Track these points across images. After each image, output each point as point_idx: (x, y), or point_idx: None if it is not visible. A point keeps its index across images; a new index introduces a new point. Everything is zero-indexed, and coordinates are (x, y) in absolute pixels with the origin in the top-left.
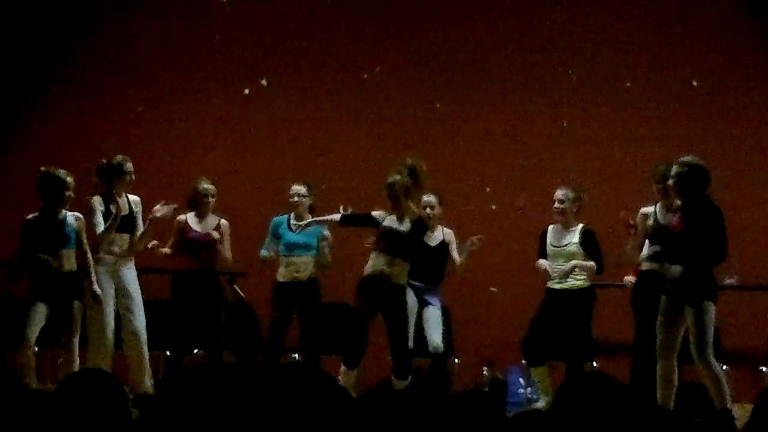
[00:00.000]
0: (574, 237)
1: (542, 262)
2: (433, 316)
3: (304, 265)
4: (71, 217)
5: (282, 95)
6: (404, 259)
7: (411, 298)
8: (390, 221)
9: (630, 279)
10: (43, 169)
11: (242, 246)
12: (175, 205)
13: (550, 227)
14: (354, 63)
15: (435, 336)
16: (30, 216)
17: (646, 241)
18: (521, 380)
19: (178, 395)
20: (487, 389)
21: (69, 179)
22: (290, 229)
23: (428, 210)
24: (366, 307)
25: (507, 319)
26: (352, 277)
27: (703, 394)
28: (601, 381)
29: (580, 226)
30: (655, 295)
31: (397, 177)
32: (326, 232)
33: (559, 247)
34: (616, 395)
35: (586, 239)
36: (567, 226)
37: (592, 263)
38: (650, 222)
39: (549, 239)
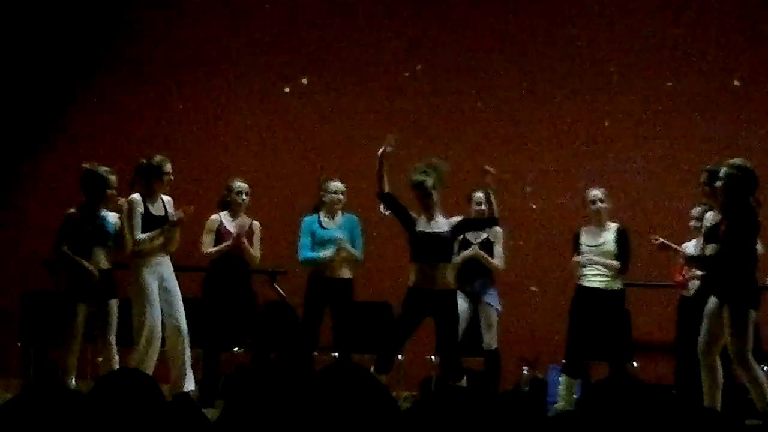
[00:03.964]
0: (609, 236)
1: (576, 258)
2: (487, 315)
3: (336, 263)
4: (112, 216)
5: (323, 93)
6: (447, 261)
7: (460, 300)
8: (423, 225)
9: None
10: (86, 165)
11: (281, 244)
12: (192, 209)
13: (583, 228)
14: (394, 61)
15: (487, 334)
16: (71, 210)
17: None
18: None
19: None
20: (527, 389)
21: (111, 177)
22: (321, 225)
23: (476, 206)
24: (413, 316)
25: (547, 319)
26: (384, 276)
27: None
28: (639, 384)
29: (615, 225)
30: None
31: (427, 177)
32: (339, 234)
33: (595, 246)
34: (660, 397)
35: (621, 238)
36: (601, 226)
37: (615, 262)
38: (707, 224)
39: (583, 240)
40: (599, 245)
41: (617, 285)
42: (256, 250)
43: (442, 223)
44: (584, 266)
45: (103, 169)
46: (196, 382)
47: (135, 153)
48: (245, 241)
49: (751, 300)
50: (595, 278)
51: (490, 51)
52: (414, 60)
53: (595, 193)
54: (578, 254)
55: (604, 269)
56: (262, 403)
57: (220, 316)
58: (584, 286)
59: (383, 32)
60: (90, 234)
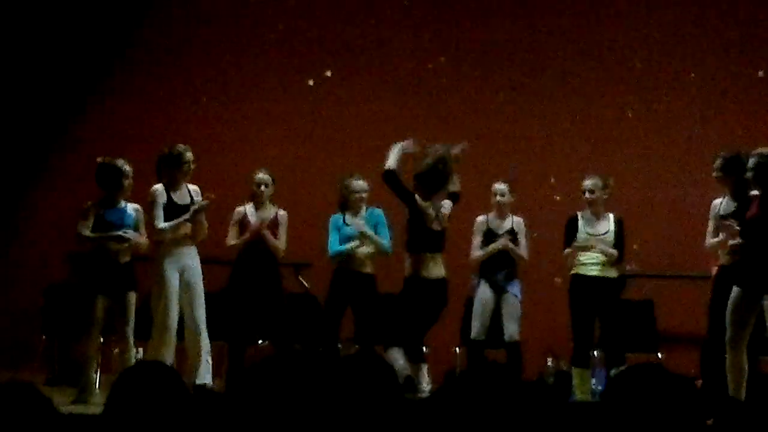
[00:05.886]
0: (610, 225)
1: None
2: (510, 306)
3: (360, 257)
4: (131, 207)
5: (347, 86)
6: (407, 249)
7: (484, 290)
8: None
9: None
10: (99, 160)
11: (306, 237)
12: (213, 196)
13: (580, 214)
14: (418, 53)
15: (510, 326)
16: (90, 203)
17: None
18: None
19: (247, 387)
20: (551, 380)
21: (126, 167)
22: (345, 223)
23: (498, 197)
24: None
25: None
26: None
27: None
28: (660, 372)
29: (612, 214)
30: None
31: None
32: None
33: (597, 235)
34: (680, 386)
35: (620, 228)
36: (599, 215)
37: (614, 251)
38: (718, 212)
39: (583, 226)
40: (602, 234)
41: (614, 273)
42: (281, 242)
43: None
44: (583, 251)
45: (118, 160)
46: (222, 376)
47: (158, 146)
48: (267, 232)
49: None
50: (594, 267)
51: (514, 43)
52: (438, 52)
53: (586, 183)
54: (575, 240)
55: (603, 257)
56: (279, 393)
57: (246, 309)
58: (581, 275)
59: (406, 23)
60: (111, 227)
